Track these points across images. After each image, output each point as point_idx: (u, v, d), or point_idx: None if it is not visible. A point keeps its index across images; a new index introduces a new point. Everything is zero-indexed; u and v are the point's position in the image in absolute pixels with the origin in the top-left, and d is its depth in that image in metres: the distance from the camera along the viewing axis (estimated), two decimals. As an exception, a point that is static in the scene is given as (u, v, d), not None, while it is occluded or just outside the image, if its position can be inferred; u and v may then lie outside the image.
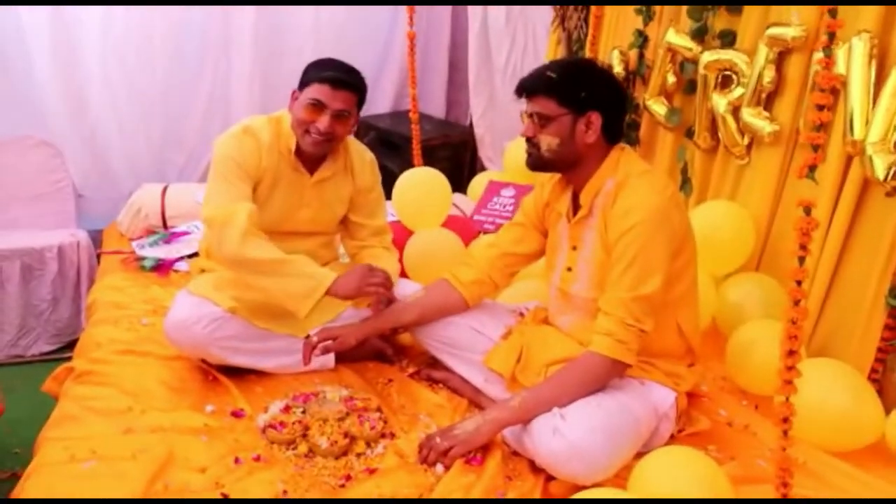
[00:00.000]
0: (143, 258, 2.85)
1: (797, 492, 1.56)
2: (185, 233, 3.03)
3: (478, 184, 3.47)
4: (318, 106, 2.00)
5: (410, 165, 3.28)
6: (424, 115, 3.86)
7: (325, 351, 2.00)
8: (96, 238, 3.23)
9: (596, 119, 1.80)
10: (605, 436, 1.65)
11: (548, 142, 1.81)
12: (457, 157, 4.04)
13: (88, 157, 3.52)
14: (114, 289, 2.64)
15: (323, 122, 2.01)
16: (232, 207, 1.97)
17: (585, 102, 1.79)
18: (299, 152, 2.10)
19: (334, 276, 1.97)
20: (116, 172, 3.59)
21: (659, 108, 2.82)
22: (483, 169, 3.98)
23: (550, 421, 1.68)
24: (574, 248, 1.91)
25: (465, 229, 2.89)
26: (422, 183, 2.79)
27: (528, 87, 1.83)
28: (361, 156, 2.24)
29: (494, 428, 1.75)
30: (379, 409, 1.94)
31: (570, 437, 1.63)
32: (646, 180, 1.79)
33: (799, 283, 1.34)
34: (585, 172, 1.86)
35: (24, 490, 1.62)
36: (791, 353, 1.36)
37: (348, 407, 1.90)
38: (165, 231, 3.07)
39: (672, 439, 1.86)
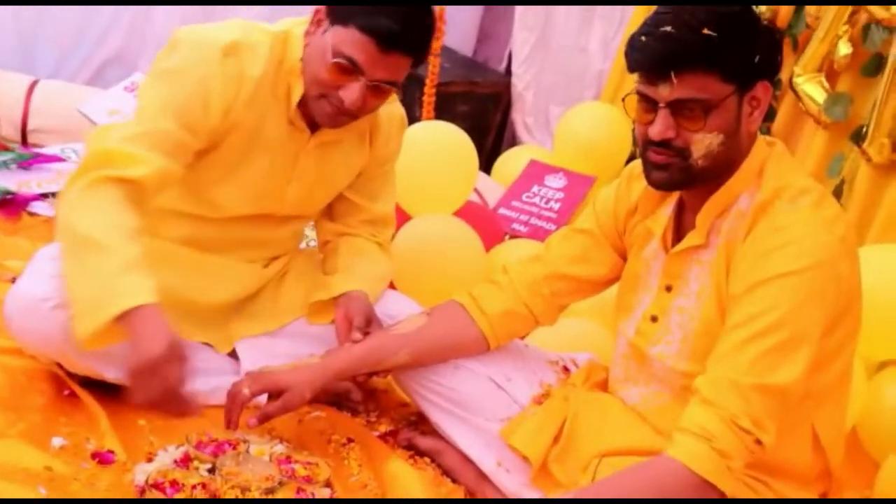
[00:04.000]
0: None
1: None
2: (56, 158, 2.98)
3: (509, 161, 3.48)
4: (350, 68, 1.93)
5: (416, 118, 3.28)
6: (444, 47, 3.83)
7: (263, 419, 1.94)
8: None
9: (764, 92, 1.74)
10: None
11: (707, 142, 1.71)
12: (481, 115, 4.03)
13: None
14: None
15: (352, 92, 1.94)
16: (131, 151, 1.86)
17: (754, 70, 1.72)
18: (303, 103, 2.04)
19: (142, 301, 1.72)
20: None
21: (813, 90, 2.79)
22: (516, 140, 3.99)
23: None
24: (668, 288, 1.87)
25: (486, 225, 2.89)
26: (436, 144, 2.79)
27: (674, 58, 1.69)
28: (389, 114, 2.23)
29: None
30: (329, 485, 1.89)
31: None
32: (807, 204, 1.72)
33: None
34: (718, 182, 1.79)
35: None
36: None
37: (283, 473, 1.86)
38: (25, 150, 3.02)
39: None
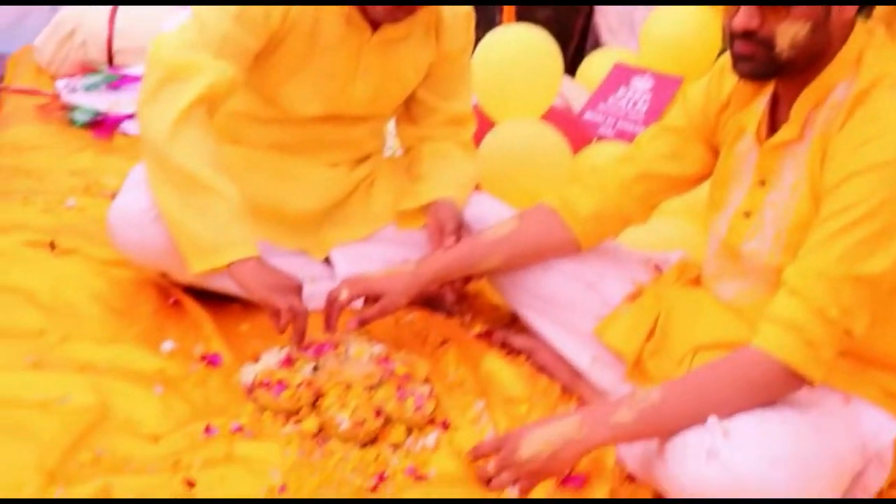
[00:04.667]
0: (73, 107, 2.85)
1: None
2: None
3: (594, 65, 3.46)
4: None
5: (493, 25, 3.23)
6: None
7: (361, 323, 2.00)
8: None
9: None
10: (792, 470, 1.58)
11: (792, 32, 1.68)
12: (564, 19, 4.00)
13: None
14: (22, 147, 2.65)
15: None
16: (194, 59, 1.90)
17: None
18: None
19: (246, 254, 1.87)
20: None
21: None
22: (599, 44, 3.96)
23: (703, 438, 1.62)
24: (762, 183, 1.84)
25: (573, 129, 2.89)
26: (519, 48, 2.77)
27: None
28: (454, 9, 2.22)
29: (581, 453, 1.70)
30: (428, 381, 1.95)
31: (734, 465, 1.57)
32: None
33: None
34: (812, 72, 1.75)
35: None
36: None
37: (383, 372, 1.91)
38: (112, 71, 3.05)
39: (880, 494, 1.80)
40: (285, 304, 1.86)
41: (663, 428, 1.66)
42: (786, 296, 1.65)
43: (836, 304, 1.61)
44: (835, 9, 1.68)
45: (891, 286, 1.67)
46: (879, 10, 2.81)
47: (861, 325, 1.64)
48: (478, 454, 1.74)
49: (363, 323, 1.99)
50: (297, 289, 1.93)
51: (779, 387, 1.66)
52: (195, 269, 1.87)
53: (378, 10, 2.00)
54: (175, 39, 1.94)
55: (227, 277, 1.92)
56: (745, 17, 1.68)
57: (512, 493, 1.68)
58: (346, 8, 2.04)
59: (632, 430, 1.67)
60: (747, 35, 1.70)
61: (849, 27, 1.73)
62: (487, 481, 1.70)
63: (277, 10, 1.97)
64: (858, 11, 1.74)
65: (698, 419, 1.64)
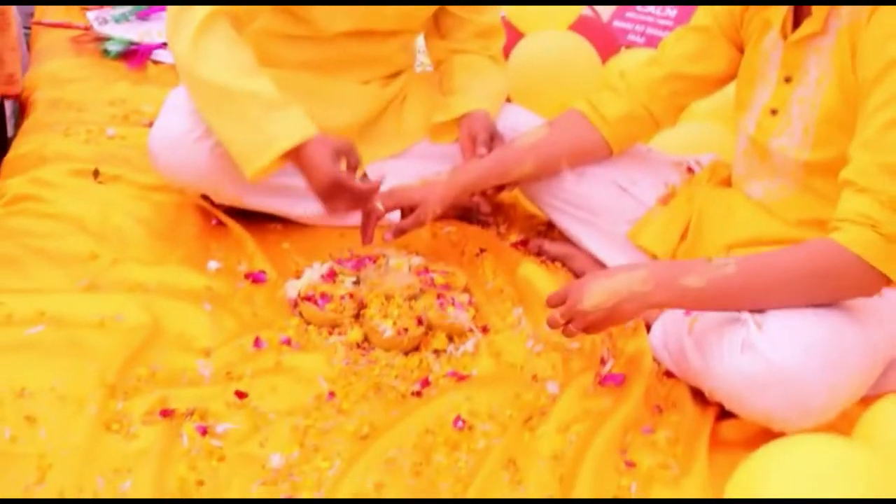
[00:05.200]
0: (106, 39, 2.88)
1: None
2: None
3: None
4: None
5: None
6: None
7: (398, 233, 2.02)
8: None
9: None
10: (825, 360, 1.59)
11: None
12: None
13: None
14: (60, 80, 2.67)
15: None
16: None
17: None
18: None
19: (300, 139, 1.85)
20: None
21: None
22: None
23: (739, 331, 1.64)
24: (787, 80, 1.83)
25: (601, 39, 2.88)
26: None
27: None
28: None
29: (645, 307, 1.70)
30: (466, 290, 1.97)
31: (771, 356, 1.58)
32: None
33: None
34: None
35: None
36: None
37: (423, 282, 1.94)
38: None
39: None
40: (343, 203, 1.89)
41: (730, 300, 1.65)
42: (853, 194, 1.61)
43: None
44: None
45: None
46: None
47: None
48: (550, 303, 1.73)
49: (400, 233, 2.00)
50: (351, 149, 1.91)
51: (853, 282, 1.62)
52: (249, 175, 1.88)
53: None
54: None
55: (272, 193, 2.04)
56: None
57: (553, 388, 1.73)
58: None
59: (698, 295, 1.65)
60: None
61: None
62: (554, 327, 1.72)
63: None
64: None
65: (766, 299, 1.63)
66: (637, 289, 1.66)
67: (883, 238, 1.56)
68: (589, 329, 1.70)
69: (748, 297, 1.64)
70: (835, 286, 1.63)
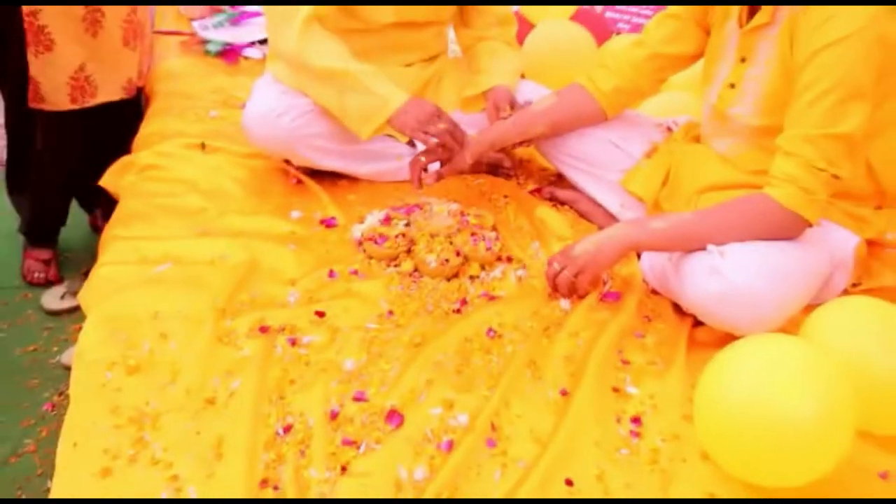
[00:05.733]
0: (207, 41, 2.86)
1: None
2: (257, 13, 3.01)
3: None
4: None
5: None
6: None
7: (438, 178, 1.99)
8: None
9: None
10: (775, 280, 1.59)
11: None
12: None
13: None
14: (173, 75, 2.68)
15: None
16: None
17: None
18: None
19: (402, 100, 1.89)
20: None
21: None
22: None
23: (706, 259, 1.63)
24: (743, 60, 1.80)
25: (597, 26, 2.83)
26: None
27: None
28: None
29: (621, 247, 1.70)
30: (494, 228, 1.96)
31: (732, 278, 1.58)
32: None
33: None
34: None
35: (90, 288, 1.68)
36: None
37: (459, 223, 1.92)
38: (233, 10, 3.05)
39: (845, 293, 1.80)
40: (426, 138, 1.91)
41: (687, 238, 1.66)
42: (782, 157, 1.64)
43: (822, 157, 1.59)
44: None
45: (862, 140, 1.64)
46: None
47: (845, 171, 1.62)
48: (550, 260, 1.76)
49: (439, 178, 1.98)
50: (440, 115, 1.94)
51: (785, 227, 1.65)
52: (365, 135, 1.91)
53: None
54: None
55: (340, 157, 2.04)
56: None
57: (565, 304, 1.73)
58: None
59: (662, 234, 1.67)
60: None
61: None
62: (553, 279, 1.74)
63: None
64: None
65: (715, 237, 1.64)
66: (615, 233, 1.70)
67: (802, 191, 1.60)
68: (580, 274, 1.71)
69: (704, 236, 1.65)
70: (769, 228, 1.64)
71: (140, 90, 2.51)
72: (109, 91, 2.34)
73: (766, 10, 1.72)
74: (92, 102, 2.30)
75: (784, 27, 1.70)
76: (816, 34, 1.61)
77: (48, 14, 2.13)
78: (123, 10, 2.29)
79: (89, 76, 2.27)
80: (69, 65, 2.21)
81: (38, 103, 2.22)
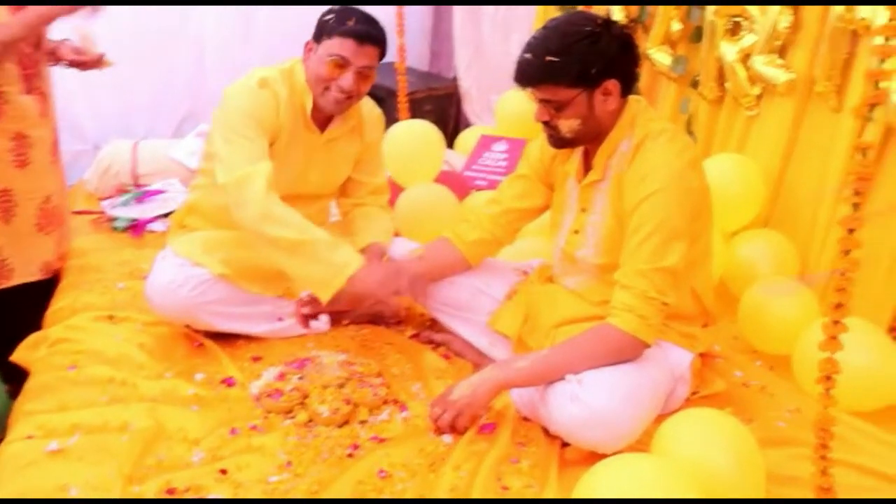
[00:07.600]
0: (114, 218, 2.77)
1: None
2: (159, 191, 2.94)
3: (466, 138, 3.41)
4: (341, 62, 1.90)
5: (395, 120, 3.16)
6: (408, 67, 3.69)
7: (318, 313, 1.93)
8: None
9: (613, 86, 1.70)
10: (626, 400, 1.61)
11: (568, 125, 1.72)
12: (441, 110, 3.98)
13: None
14: (85, 251, 2.56)
15: (346, 79, 1.91)
16: (248, 171, 1.84)
17: (598, 75, 1.67)
18: (313, 112, 2.00)
19: (357, 266, 1.82)
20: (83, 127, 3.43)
21: (662, 56, 2.74)
22: (469, 124, 3.92)
23: (567, 388, 1.63)
24: (583, 210, 1.86)
25: (457, 185, 2.85)
26: (414, 136, 2.73)
27: (530, 78, 1.70)
28: (371, 112, 2.17)
29: (493, 388, 1.70)
30: (380, 374, 1.90)
31: (590, 403, 1.59)
32: (664, 141, 1.71)
33: (851, 231, 1.27)
34: (603, 136, 1.78)
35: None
36: (838, 306, 1.30)
37: (348, 372, 1.86)
38: (137, 189, 2.97)
39: (687, 402, 1.82)
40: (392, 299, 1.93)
41: (547, 372, 1.66)
42: (620, 290, 1.67)
43: (653, 288, 1.64)
44: (597, 107, 1.70)
45: (683, 271, 1.70)
46: (642, 83, 2.84)
47: (672, 298, 1.67)
48: (432, 404, 1.73)
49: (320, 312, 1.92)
50: (401, 274, 1.89)
51: (627, 349, 1.67)
52: (325, 298, 1.82)
53: (330, 103, 1.94)
54: (226, 162, 1.87)
55: (238, 319, 1.97)
56: (538, 113, 1.74)
57: (447, 439, 1.68)
58: (306, 117, 2.00)
59: (527, 372, 1.67)
60: (545, 123, 1.74)
61: (619, 107, 1.75)
62: (435, 422, 1.70)
63: (271, 119, 1.93)
64: (624, 94, 1.74)
65: (571, 368, 1.64)
66: (486, 376, 1.69)
67: (639, 318, 1.64)
68: (459, 416, 1.68)
69: (562, 367, 1.66)
70: (613, 351, 1.66)
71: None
72: (25, 273, 2.21)
73: (597, 169, 1.79)
74: (7, 284, 2.17)
75: (613, 182, 1.77)
76: (639, 186, 1.68)
77: None
78: (38, 196, 2.20)
79: (4, 259, 2.15)
80: None
81: None
